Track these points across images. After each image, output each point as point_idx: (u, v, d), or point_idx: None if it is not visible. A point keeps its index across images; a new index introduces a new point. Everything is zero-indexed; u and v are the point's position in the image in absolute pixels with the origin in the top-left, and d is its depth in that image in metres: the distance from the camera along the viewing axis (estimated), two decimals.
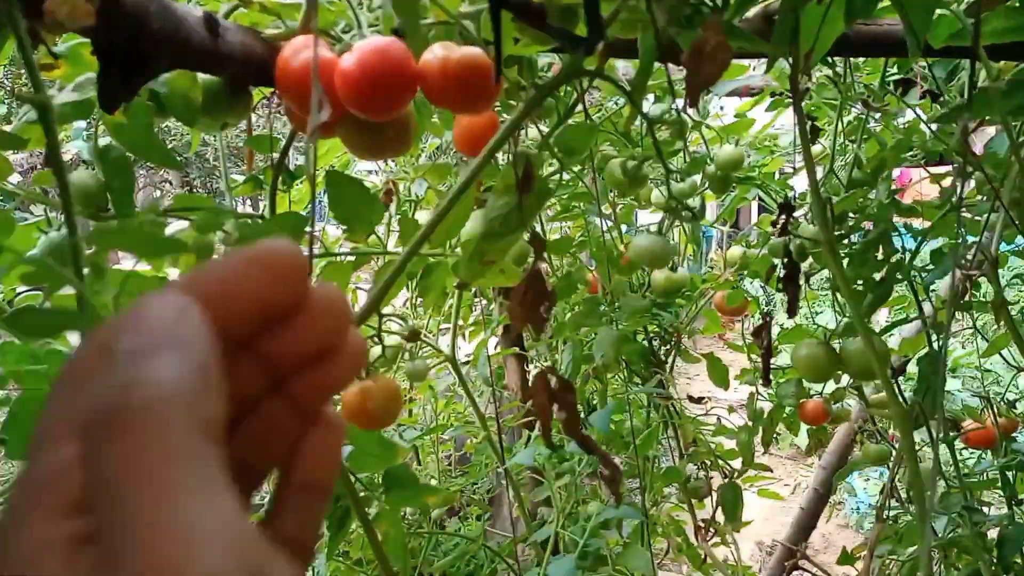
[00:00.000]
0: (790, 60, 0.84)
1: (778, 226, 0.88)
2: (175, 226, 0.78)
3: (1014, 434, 1.73)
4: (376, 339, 0.75)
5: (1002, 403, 1.74)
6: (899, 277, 1.14)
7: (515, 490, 1.26)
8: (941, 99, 1.38)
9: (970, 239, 1.63)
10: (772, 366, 1.89)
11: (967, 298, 1.22)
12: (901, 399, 0.72)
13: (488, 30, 0.75)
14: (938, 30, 0.97)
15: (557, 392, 0.58)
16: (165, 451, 0.21)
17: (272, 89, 0.77)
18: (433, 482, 1.68)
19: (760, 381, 0.91)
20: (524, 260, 0.88)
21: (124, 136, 0.67)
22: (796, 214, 1.35)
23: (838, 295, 1.02)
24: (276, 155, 0.75)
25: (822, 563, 3.55)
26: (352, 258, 0.75)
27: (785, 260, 0.85)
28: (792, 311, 0.85)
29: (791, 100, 1.41)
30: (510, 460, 1.14)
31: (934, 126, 1.19)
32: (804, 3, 0.69)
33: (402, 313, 1.39)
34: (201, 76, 0.71)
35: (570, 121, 1.16)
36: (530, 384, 0.59)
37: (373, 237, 0.74)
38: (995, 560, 1.33)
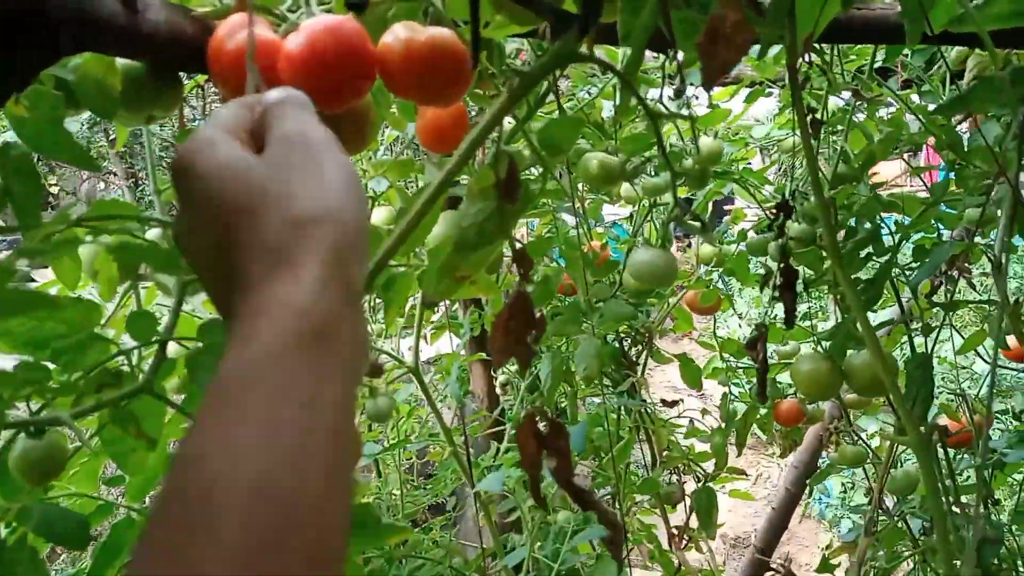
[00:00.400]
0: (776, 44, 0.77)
1: (775, 227, 0.80)
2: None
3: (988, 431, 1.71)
4: None
5: (977, 400, 1.71)
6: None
7: (484, 509, 1.18)
8: (923, 88, 1.33)
9: (945, 234, 1.59)
10: (743, 365, 1.85)
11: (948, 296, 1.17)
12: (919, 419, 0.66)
13: (457, 7, 0.66)
14: (936, 14, 0.90)
15: (547, 437, 0.50)
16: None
17: (206, 76, 0.67)
18: (395, 494, 1.59)
19: (757, 392, 0.84)
20: (497, 267, 0.79)
21: (26, 130, 0.57)
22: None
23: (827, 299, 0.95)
24: None
25: (785, 555, 3.55)
26: None
27: (781, 265, 0.78)
28: (790, 321, 0.78)
29: (771, 89, 1.34)
30: (478, 484, 1.06)
31: (922, 117, 1.13)
32: None
33: None
34: (120, 61, 0.61)
35: (541, 113, 1.07)
36: (517, 431, 0.51)
37: None
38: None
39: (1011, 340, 1.59)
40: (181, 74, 0.65)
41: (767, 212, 1.28)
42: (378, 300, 1.36)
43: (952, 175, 1.28)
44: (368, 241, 0.38)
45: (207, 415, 0.30)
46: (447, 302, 1.57)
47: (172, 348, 0.73)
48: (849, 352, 0.84)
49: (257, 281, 0.33)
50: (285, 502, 0.28)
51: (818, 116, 0.92)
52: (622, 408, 1.60)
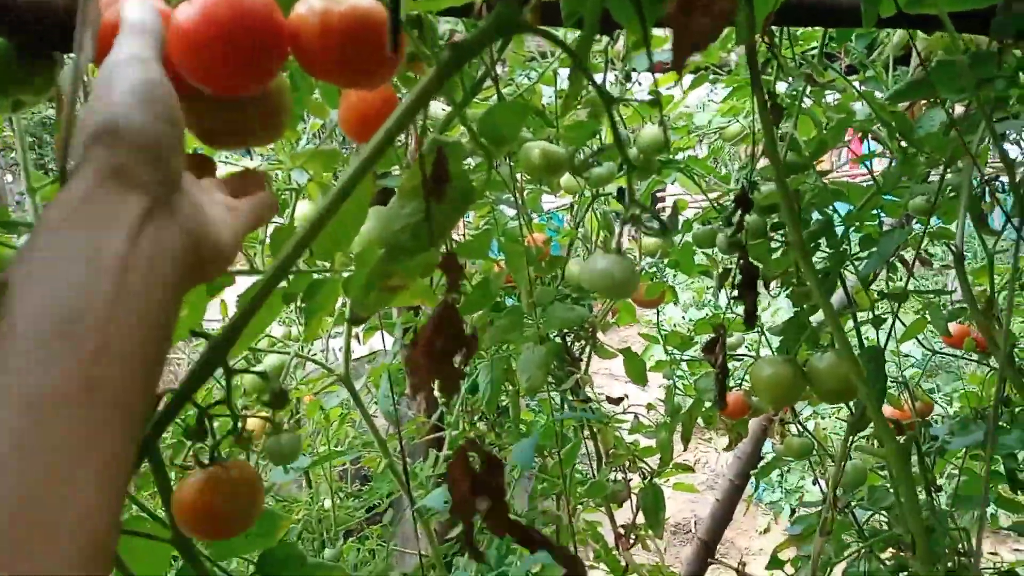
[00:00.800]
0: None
1: (734, 222, 0.75)
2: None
3: (927, 417, 1.72)
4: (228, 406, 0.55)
5: (918, 387, 1.71)
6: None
7: (422, 519, 1.10)
8: (867, 74, 1.30)
9: (888, 221, 1.58)
10: (687, 358, 1.81)
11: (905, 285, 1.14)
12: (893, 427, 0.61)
13: None
14: None
15: (481, 476, 0.43)
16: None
17: None
18: (327, 504, 1.50)
19: (715, 398, 0.78)
20: (431, 270, 0.71)
21: None
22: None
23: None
24: None
25: (725, 540, 3.58)
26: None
27: (740, 262, 0.72)
28: (751, 321, 0.73)
29: (716, 75, 1.29)
30: (420, 501, 0.98)
31: (865, 103, 1.10)
32: None
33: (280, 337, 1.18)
34: None
35: (477, 100, 0.99)
36: (448, 468, 0.43)
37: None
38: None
39: (952, 326, 1.59)
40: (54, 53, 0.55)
41: (713, 203, 1.24)
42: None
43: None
44: (178, 143, 0.39)
45: None
46: None
47: None
48: (813, 356, 0.80)
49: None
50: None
51: (779, 102, 0.86)
52: (564, 405, 1.54)
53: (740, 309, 1.47)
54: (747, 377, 1.68)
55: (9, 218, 0.54)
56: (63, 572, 0.27)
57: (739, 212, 0.74)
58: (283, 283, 0.61)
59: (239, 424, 0.55)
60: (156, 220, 0.36)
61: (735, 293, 0.73)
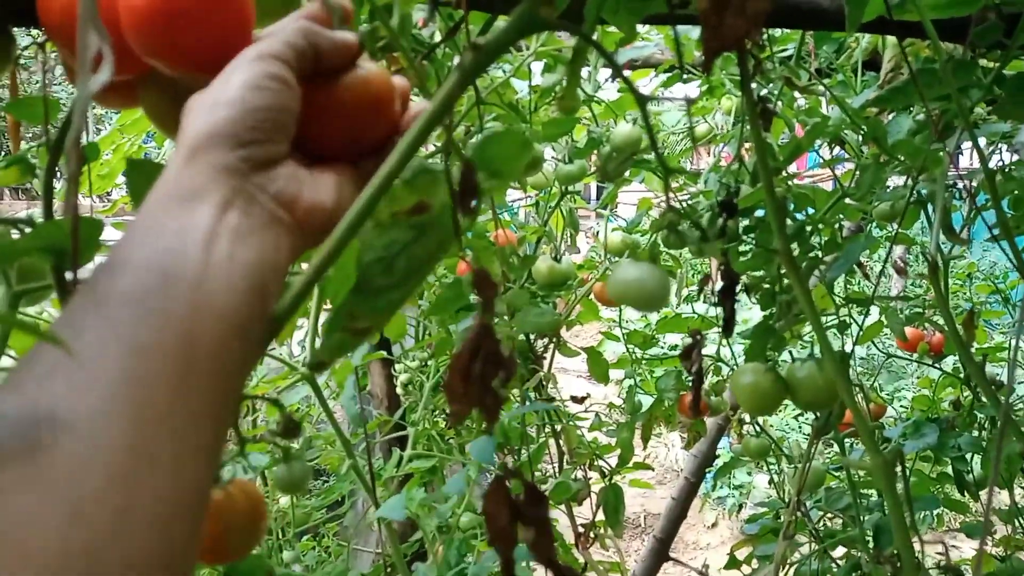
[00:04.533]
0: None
1: (718, 228, 0.74)
2: None
3: (880, 419, 1.75)
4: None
5: (872, 389, 1.75)
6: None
7: (387, 528, 1.07)
8: (837, 78, 1.31)
9: (848, 226, 1.59)
10: (647, 356, 1.82)
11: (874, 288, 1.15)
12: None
13: None
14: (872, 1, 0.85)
15: (523, 506, 0.40)
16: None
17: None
18: (284, 502, 1.45)
19: (691, 405, 0.77)
20: (399, 306, 0.68)
21: None
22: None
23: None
24: (56, 127, 0.51)
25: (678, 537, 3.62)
26: None
27: (722, 268, 0.71)
28: (728, 328, 0.72)
29: (689, 74, 1.29)
30: (379, 510, 0.95)
31: (840, 108, 1.10)
32: None
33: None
34: None
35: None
36: (485, 498, 0.41)
37: None
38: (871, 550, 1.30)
39: (908, 330, 1.62)
40: (12, 29, 0.51)
41: (682, 204, 1.23)
42: None
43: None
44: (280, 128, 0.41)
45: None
46: None
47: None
48: (793, 365, 0.79)
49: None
50: None
51: (770, 106, 0.85)
52: (529, 405, 1.53)
53: (710, 312, 1.47)
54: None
55: None
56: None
57: (724, 217, 0.73)
58: None
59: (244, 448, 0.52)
60: (243, 196, 0.38)
61: (714, 300, 0.72)
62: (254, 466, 1.17)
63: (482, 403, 0.38)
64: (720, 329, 1.31)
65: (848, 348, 1.17)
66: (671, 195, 1.16)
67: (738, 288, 0.74)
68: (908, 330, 1.58)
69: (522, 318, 0.93)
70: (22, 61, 0.52)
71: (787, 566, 1.50)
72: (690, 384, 0.77)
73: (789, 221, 1.06)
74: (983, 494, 1.53)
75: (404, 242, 0.42)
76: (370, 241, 0.42)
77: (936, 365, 1.66)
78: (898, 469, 1.46)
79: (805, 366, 0.77)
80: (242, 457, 0.56)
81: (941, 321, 1.49)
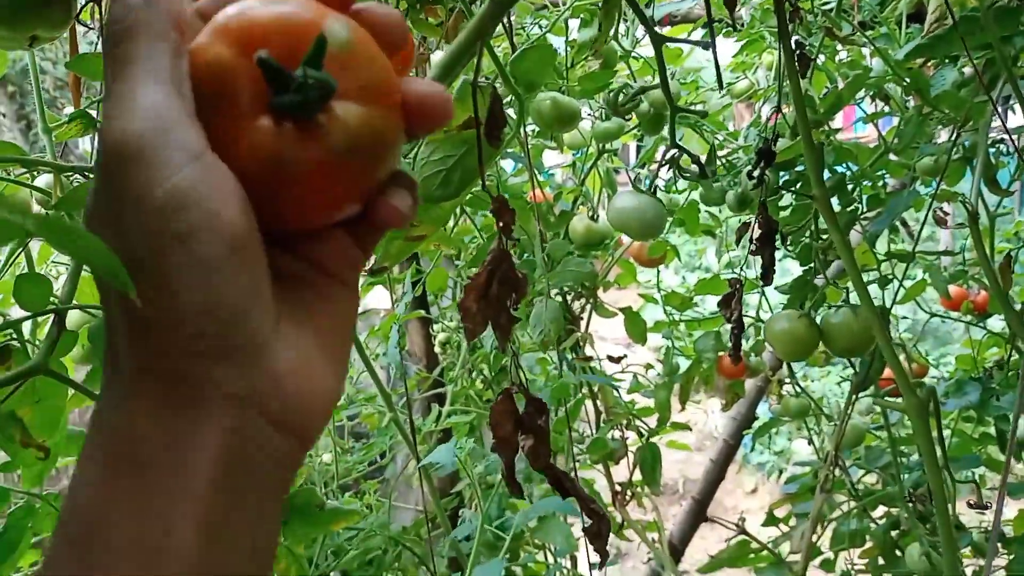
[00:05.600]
0: None
1: (755, 176, 0.74)
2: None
3: (923, 379, 1.73)
4: None
5: (914, 349, 1.73)
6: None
7: (425, 474, 1.10)
8: (881, 30, 1.28)
9: (892, 183, 1.57)
10: (687, 318, 1.82)
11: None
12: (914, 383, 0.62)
13: None
14: None
15: (525, 417, 0.42)
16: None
17: None
18: (327, 457, 1.50)
19: (731, 352, 0.78)
20: (449, 216, 0.70)
21: None
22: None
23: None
24: None
25: (714, 499, 3.63)
26: None
27: (760, 218, 0.72)
28: (768, 277, 0.72)
29: (727, 29, 1.27)
30: (425, 457, 0.98)
31: (883, 60, 1.08)
32: None
33: None
34: None
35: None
36: (491, 409, 0.43)
37: None
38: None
39: (952, 289, 1.60)
40: None
41: (723, 160, 1.22)
42: None
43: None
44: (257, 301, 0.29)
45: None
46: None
47: (74, 316, 0.63)
48: (827, 312, 0.79)
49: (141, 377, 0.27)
50: None
51: (808, 54, 0.85)
52: (563, 364, 1.54)
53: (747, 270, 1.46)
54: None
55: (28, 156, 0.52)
56: None
57: (761, 165, 0.73)
58: None
59: None
60: (239, 432, 0.28)
61: (752, 248, 0.73)
62: None
63: (496, 322, 0.40)
64: (760, 290, 1.31)
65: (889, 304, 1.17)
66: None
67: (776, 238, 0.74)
68: (952, 289, 1.56)
69: (560, 269, 0.94)
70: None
71: (826, 525, 1.51)
72: (729, 343, 0.78)
73: (829, 174, 1.05)
74: None
75: (458, 156, 0.44)
76: (426, 156, 0.44)
77: (981, 324, 1.64)
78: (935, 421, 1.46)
79: (840, 312, 0.77)
80: None
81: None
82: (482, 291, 0.41)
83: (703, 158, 0.66)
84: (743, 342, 1.63)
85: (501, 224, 0.42)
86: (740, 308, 0.73)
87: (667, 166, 0.50)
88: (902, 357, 1.59)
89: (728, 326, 0.73)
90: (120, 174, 0.26)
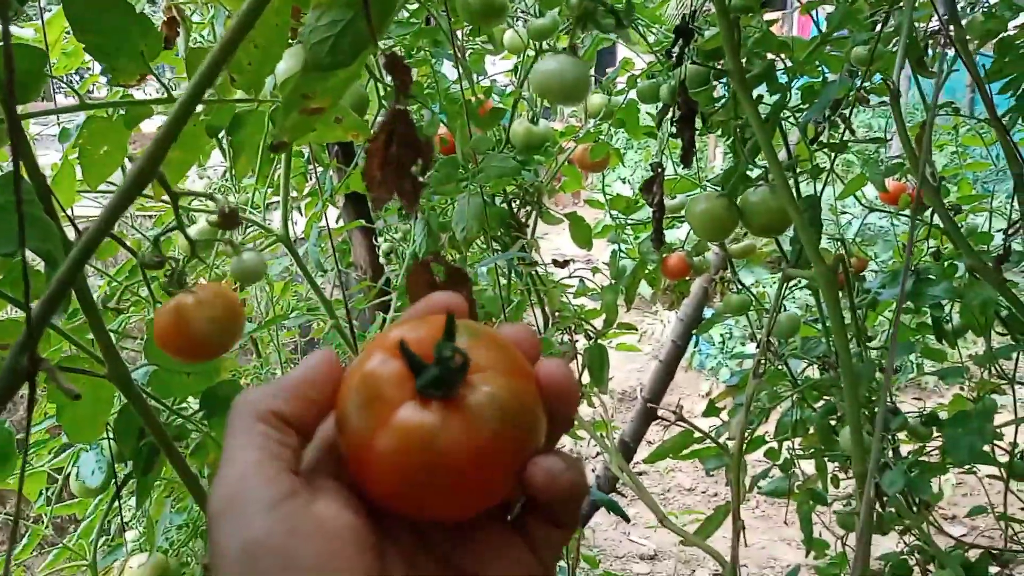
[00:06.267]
0: None
1: (673, 55, 0.73)
2: None
3: (863, 272, 1.78)
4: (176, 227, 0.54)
5: (853, 242, 1.76)
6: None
7: None
8: None
9: (831, 78, 1.57)
10: (633, 221, 1.83)
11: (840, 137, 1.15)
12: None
13: None
14: None
15: (445, 285, 0.42)
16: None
17: None
18: (277, 374, 1.51)
19: (652, 238, 0.79)
20: (365, 109, 0.68)
21: None
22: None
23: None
24: None
25: (670, 404, 3.74)
26: (123, 111, 0.54)
27: (679, 98, 0.71)
28: (687, 159, 0.73)
29: None
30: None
31: None
32: None
33: (218, 187, 1.15)
34: None
35: None
36: (407, 277, 0.43)
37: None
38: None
39: (889, 182, 1.63)
40: None
41: (657, 55, 1.21)
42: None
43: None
44: None
45: None
46: (319, 169, 1.44)
47: None
48: (747, 191, 0.80)
49: None
50: None
51: None
52: (511, 272, 1.55)
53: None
54: (687, 241, 1.71)
55: None
56: None
57: (680, 43, 0.73)
58: (207, 115, 0.59)
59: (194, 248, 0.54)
60: None
61: (673, 130, 0.73)
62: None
63: (400, 189, 0.40)
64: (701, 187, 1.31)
65: (829, 202, 1.18)
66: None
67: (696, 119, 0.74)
68: (889, 183, 1.58)
69: (486, 164, 0.93)
70: None
71: (768, 418, 1.56)
72: (653, 222, 0.78)
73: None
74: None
75: (346, 20, 0.43)
76: (313, 22, 0.43)
77: (920, 218, 1.67)
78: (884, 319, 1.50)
79: (758, 191, 0.78)
80: None
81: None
82: (383, 155, 0.41)
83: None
84: (684, 245, 1.65)
85: (398, 82, 0.41)
86: (661, 192, 0.73)
87: (583, 20, 0.49)
88: (841, 250, 1.63)
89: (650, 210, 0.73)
90: (213, 531, 0.31)
